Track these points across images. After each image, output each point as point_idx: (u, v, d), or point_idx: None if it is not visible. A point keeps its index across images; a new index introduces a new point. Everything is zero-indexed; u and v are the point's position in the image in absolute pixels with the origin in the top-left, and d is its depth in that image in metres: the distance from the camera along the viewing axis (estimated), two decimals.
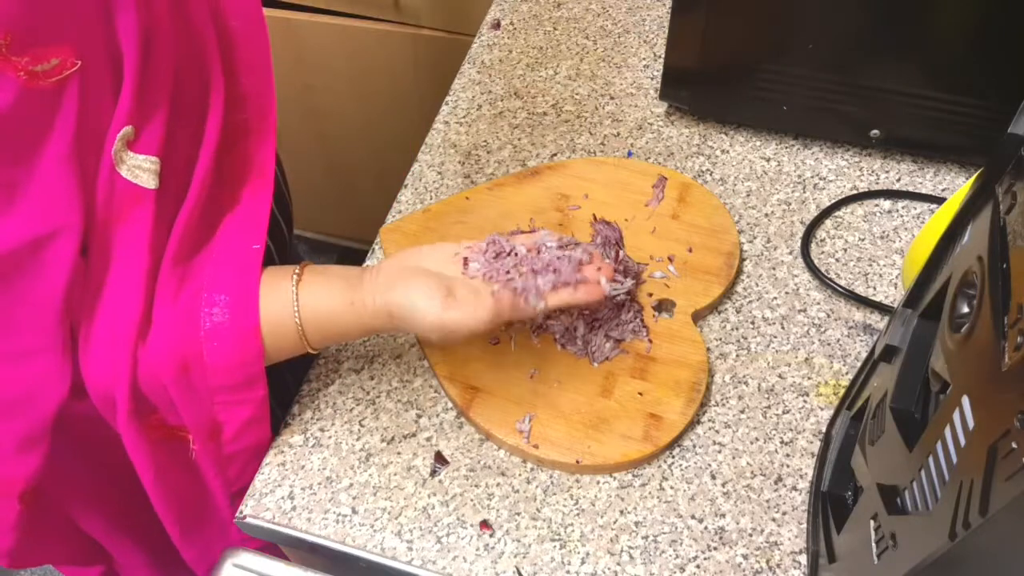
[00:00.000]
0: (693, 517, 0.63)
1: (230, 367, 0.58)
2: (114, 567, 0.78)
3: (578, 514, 0.63)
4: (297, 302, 0.58)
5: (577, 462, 0.64)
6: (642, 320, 0.71)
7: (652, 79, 0.93)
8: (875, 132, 0.81)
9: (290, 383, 0.73)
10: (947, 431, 0.39)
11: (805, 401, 0.69)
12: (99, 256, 0.54)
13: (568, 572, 0.61)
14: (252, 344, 0.58)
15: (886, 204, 0.81)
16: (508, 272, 0.60)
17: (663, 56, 0.85)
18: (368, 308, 0.59)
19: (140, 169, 0.53)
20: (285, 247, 0.83)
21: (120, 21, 0.50)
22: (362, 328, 0.61)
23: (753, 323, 0.73)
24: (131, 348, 0.55)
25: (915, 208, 0.81)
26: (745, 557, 0.61)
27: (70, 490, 0.68)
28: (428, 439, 0.68)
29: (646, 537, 0.62)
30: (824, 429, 0.66)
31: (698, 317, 0.73)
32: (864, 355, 0.68)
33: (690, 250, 0.76)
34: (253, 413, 0.62)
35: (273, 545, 0.68)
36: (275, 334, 0.58)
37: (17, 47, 0.44)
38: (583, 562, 0.61)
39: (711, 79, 0.85)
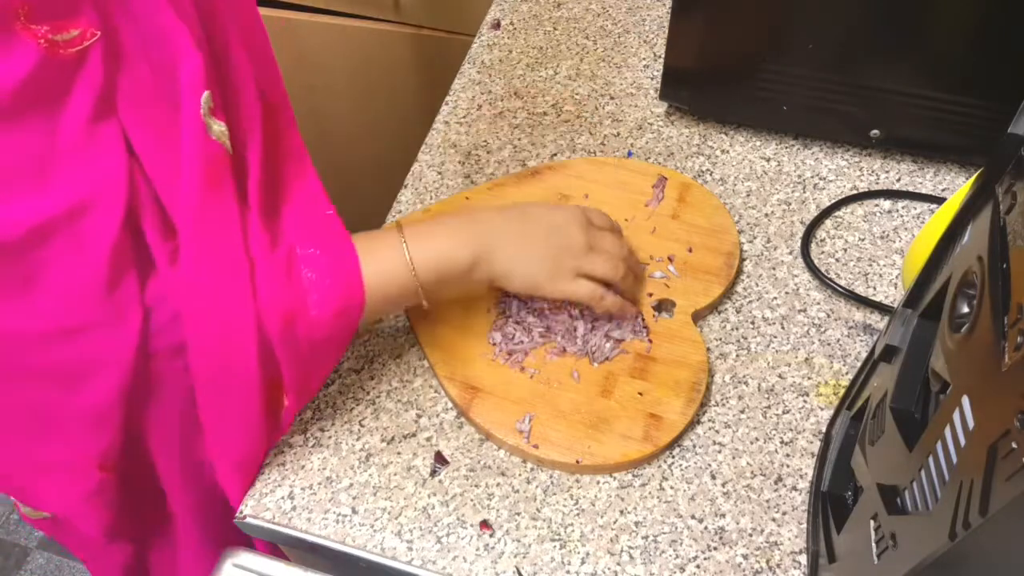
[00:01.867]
0: (693, 517, 0.63)
1: (333, 316, 0.58)
2: (146, 547, 0.78)
3: (578, 514, 0.63)
4: (405, 240, 0.61)
5: (577, 462, 0.64)
6: (642, 320, 0.71)
7: (652, 79, 0.93)
8: (875, 132, 0.81)
9: None
10: (947, 431, 0.39)
11: (805, 401, 0.69)
12: (199, 224, 0.54)
13: (568, 572, 0.61)
14: (355, 292, 0.59)
15: (886, 204, 0.81)
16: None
17: (663, 56, 0.85)
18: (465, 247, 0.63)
19: (223, 134, 0.55)
20: None
21: None
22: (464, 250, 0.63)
23: (753, 323, 0.73)
24: (253, 307, 0.55)
25: (915, 208, 0.81)
26: (745, 557, 0.61)
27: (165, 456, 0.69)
28: (428, 439, 0.68)
29: (646, 537, 0.62)
30: (824, 429, 0.66)
31: (698, 317, 0.73)
32: (864, 355, 0.68)
33: (690, 250, 0.76)
34: (336, 361, 0.63)
35: (273, 545, 0.68)
36: (385, 282, 0.60)
37: (36, 16, 0.45)
38: (583, 562, 0.61)
39: (711, 79, 0.85)
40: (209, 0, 0.55)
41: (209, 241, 0.55)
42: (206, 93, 0.52)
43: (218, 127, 0.54)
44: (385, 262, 0.61)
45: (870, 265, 0.77)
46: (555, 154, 0.87)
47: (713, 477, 0.65)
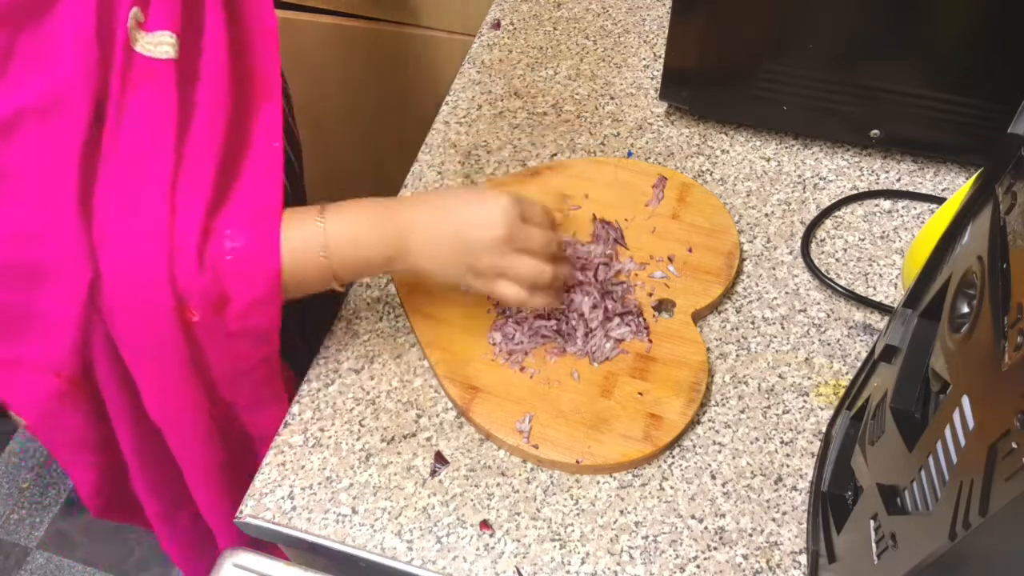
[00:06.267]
0: (693, 517, 0.63)
1: (246, 246, 0.58)
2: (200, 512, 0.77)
3: (578, 514, 0.63)
4: (324, 228, 0.61)
5: (577, 462, 0.64)
6: (642, 320, 0.71)
7: (652, 79, 0.93)
8: (875, 132, 0.81)
9: (300, 346, 0.72)
10: (947, 431, 0.39)
11: (805, 401, 0.69)
12: (116, 127, 0.54)
13: (568, 572, 0.61)
14: (271, 224, 0.59)
15: (886, 204, 0.81)
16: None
17: (663, 56, 0.85)
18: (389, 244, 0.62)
19: (153, 44, 0.55)
20: (297, 181, 0.84)
21: None
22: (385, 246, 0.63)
23: (753, 323, 0.73)
24: (169, 229, 0.55)
25: (915, 208, 0.81)
26: (745, 557, 0.61)
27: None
28: (428, 439, 0.68)
29: (646, 537, 0.62)
30: (824, 429, 0.66)
31: (698, 317, 0.73)
32: (864, 355, 0.68)
33: (690, 250, 0.76)
34: (264, 292, 0.60)
35: (273, 545, 0.68)
36: (295, 262, 0.60)
37: None
38: (583, 562, 0.61)
39: (711, 79, 0.85)
40: None
41: (118, 146, 0.55)
42: (134, 9, 0.54)
43: (147, 39, 0.55)
44: (302, 233, 0.60)
45: (870, 265, 0.77)
46: (555, 154, 0.87)
47: (713, 477, 0.65)
